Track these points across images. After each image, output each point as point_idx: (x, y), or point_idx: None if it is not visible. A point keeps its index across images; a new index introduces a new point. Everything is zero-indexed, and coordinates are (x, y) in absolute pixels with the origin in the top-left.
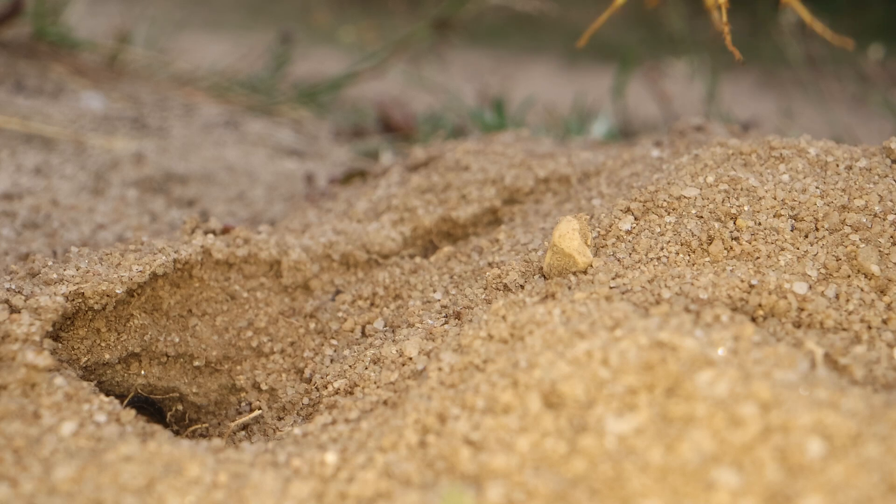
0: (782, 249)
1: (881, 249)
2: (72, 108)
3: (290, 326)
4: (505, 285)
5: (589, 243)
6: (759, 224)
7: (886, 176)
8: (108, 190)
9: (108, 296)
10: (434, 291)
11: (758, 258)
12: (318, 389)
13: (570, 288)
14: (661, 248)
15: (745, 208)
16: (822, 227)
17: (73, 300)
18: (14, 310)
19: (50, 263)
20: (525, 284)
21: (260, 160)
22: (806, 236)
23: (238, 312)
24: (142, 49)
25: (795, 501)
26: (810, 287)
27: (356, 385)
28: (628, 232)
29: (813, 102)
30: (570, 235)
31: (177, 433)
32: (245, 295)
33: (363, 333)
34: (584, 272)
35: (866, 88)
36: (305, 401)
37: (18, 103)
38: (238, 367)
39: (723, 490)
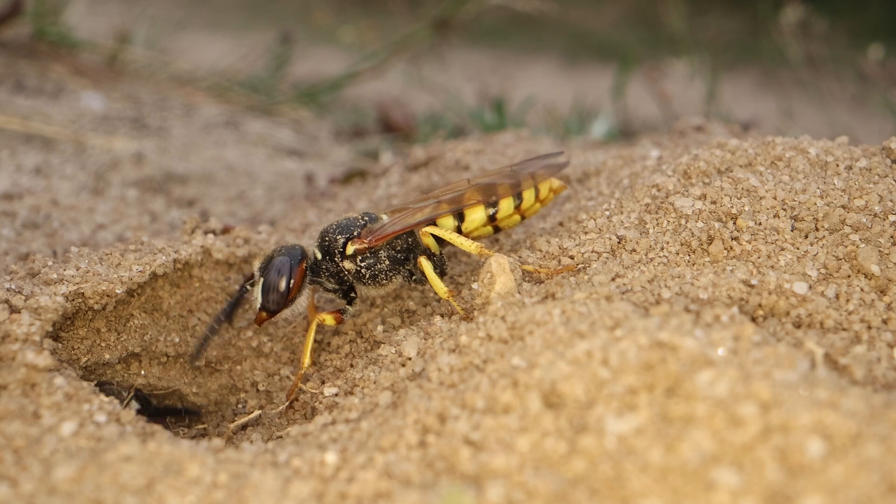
0: (782, 249)
1: (881, 249)
2: (72, 108)
3: (289, 326)
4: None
5: (515, 278)
6: (759, 224)
7: (886, 176)
8: (108, 190)
9: (108, 296)
10: (434, 291)
11: (758, 258)
12: (317, 389)
13: (570, 288)
14: (661, 248)
15: (746, 208)
16: (822, 227)
17: (73, 300)
18: (14, 310)
19: (50, 263)
20: (522, 284)
21: (260, 160)
22: (806, 236)
23: (238, 312)
24: (142, 49)
25: (795, 501)
26: (810, 287)
27: (356, 385)
28: (627, 231)
29: (813, 102)
30: (499, 272)
31: (176, 433)
32: (245, 295)
33: (362, 334)
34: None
35: (866, 88)
36: (305, 401)
37: (18, 103)
38: (238, 367)
39: (723, 490)
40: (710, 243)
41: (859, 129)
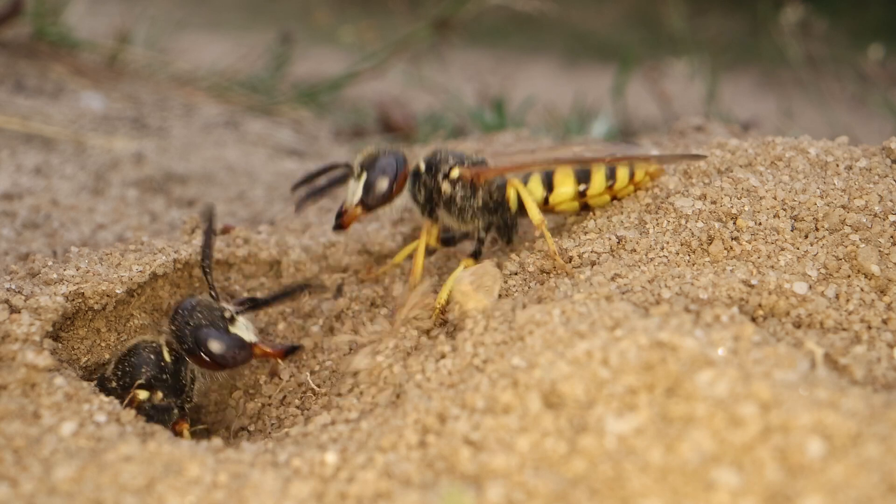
0: (782, 249)
1: (881, 249)
2: (72, 108)
3: (289, 326)
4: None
5: (491, 290)
6: (759, 224)
7: (886, 176)
8: (108, 190)
9: (108, 296)
10: (434, 291)
11: (758, 258)
12: (317, 389)
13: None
14: (661, 248)
15: (746, 208)
16: (822, 227)
17: (73, 300)
18: (14, 310)
19: (50, 263)
20: (522, 285)
21: (260, 160)
22: (806, 236)
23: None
24: (142, 49)
25: (795, 501)
26: (810, 287)
27: (356, 385)
28: (627, 231)
29: (813, 102)
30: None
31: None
32: (245, 295)
33: (360, 333)
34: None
35: (866, 88)
36: (304, 401)
37: (18, 103)
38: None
39: (723, 490)
40: (710, 243)
41: (859, 129)
